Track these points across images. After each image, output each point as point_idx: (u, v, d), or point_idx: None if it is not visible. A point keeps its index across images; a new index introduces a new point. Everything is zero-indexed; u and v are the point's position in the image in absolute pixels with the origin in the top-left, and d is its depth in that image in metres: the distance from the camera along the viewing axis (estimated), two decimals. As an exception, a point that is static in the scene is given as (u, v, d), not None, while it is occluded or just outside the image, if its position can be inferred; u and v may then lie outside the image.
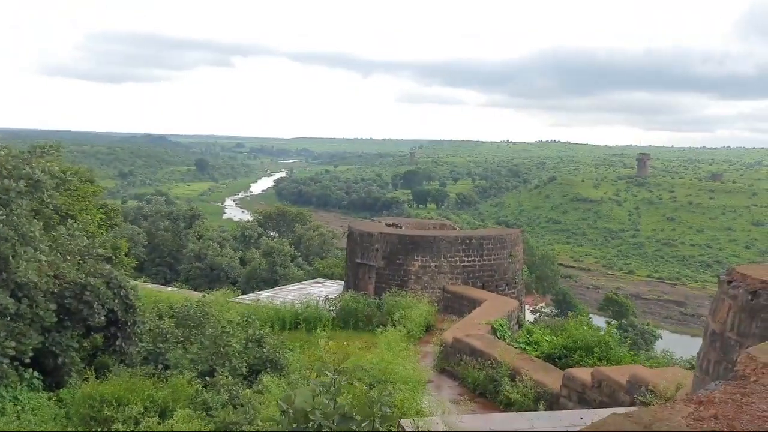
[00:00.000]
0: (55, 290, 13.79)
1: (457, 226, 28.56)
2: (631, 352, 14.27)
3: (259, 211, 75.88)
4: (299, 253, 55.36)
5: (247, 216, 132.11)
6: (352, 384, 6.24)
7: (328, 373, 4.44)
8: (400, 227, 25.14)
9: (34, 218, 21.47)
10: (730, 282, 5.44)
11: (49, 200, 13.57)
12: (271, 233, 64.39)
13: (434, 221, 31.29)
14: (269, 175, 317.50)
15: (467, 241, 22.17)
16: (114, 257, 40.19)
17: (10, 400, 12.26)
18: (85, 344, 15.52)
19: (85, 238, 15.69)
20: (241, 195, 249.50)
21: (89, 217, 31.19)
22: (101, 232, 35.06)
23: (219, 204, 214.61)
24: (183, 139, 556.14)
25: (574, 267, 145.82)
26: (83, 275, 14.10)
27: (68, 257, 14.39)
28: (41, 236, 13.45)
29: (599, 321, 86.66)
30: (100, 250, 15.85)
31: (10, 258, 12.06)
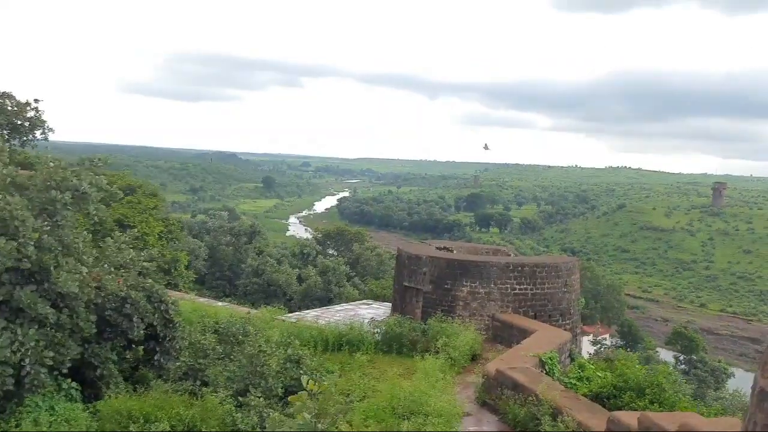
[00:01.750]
0: (98, 302, 13.93)
1: (512, 252, 27.64)
2: (688, 396, 13.14)
3: (318, 229, 76.47)
4: (354, 273, 55.22)
5: (309, 234, 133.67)
6: (336, 428, 5.79)
7: (307, 416, 4.00)
8: (451, 251, 24.48)
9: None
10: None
11: (95, 212, 13.74)
12: (330, 252, 64.65)
13: (488, 246, 30.45)
14: (333, 194, 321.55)
15: (519, 268, 21.30)
16: (173, 270, 41.19)
17: (45, 410, 12.35)
18: (128, 356, 15.63)
19: (132, 251, 15.85)
20: (305, 213, 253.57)
21: (138, 229, 31.90)
22: (161, 244, 35.99)
23: (283, 221, 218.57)
24: (252, 156, 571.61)
25: (642, 298, 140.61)
26: (125, 288, 14.20)
27: (112, 269, 14.53)
28: (85, 247, 13.63)
29: (667, 355, 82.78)
30: (145, 264, 15.99)
31: (52, 268, 12.21)
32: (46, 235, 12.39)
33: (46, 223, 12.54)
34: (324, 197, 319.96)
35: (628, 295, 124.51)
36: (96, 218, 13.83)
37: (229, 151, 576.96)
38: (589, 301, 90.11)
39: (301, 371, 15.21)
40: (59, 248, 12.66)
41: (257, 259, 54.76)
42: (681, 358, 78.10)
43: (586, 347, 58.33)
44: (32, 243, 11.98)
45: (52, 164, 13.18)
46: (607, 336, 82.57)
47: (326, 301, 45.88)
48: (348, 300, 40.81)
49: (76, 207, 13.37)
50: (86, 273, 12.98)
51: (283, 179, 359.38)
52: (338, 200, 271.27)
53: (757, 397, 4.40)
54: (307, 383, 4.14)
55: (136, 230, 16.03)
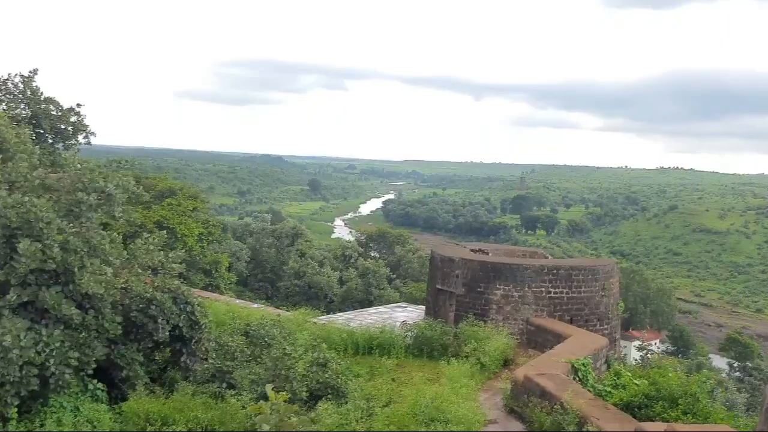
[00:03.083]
0: (125, 302, 14.04)
1: (549, 255, 26.92)
2: (723, 408, 12.41)
3: (360, 230, 76.61)
4: (395, 276, 54.98)
5: (353, 236, 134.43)
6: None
7: (266, 427, 3.79)
8: (487, 253, 24.00)
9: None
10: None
11: (120, 214, 13.87)
12: (373, 254, 64.57)
13: (524, 249, 29.75)
14: (378, 197, 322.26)
15: (555, 271, 20.69)
16: (215, 271, 41.62)
17: (70, 410, 12.49)
18: (157, 358, 15.73)
19: (161, 252, 15.95)
20: (350, 215, 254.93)
21: (178, 230, 32.20)
22: (200, 246, 36.47)
23: (329, 223, 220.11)
24: (298, 159, 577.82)
25: (694, 302, 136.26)
26: (150, 289, 14.28)
27: (139, 271, 14.64)
28: (113, 249, 13.74)
29: (720, 362, 79.77)
30: (174, 266, 16.07)
31: (76, 270, 12.34)
32: (72, 237, 12.53)
33: (71, 224, 12.69)
34: (369, 199, 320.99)
35: (680, 299, 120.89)
36: (122, 220, 13.94)
37: (276, 153, 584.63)
38: (638, 305, 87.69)
39: (326, 375, 15.04)
40: (85, 249, 12.78)
41: (299, 261, 55.09)
42: (735, 365, 75.28)
43: (633, 353, 56.56)
44: (57, 244, 12.14)
45: (79, 166, 13.35)
46: (656, 341, 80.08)
47: (366, 303, 45.76)
48: (389, 302, 40.58)
49: (103, 208, 13.51)
50: (111, 274, 13.05)
51: (328, 182, 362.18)
52: (383, 202, 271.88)
53: (764, 415, 4.01)
54: (271, 390, 3.93)
55: (165, 232, 16.08)
